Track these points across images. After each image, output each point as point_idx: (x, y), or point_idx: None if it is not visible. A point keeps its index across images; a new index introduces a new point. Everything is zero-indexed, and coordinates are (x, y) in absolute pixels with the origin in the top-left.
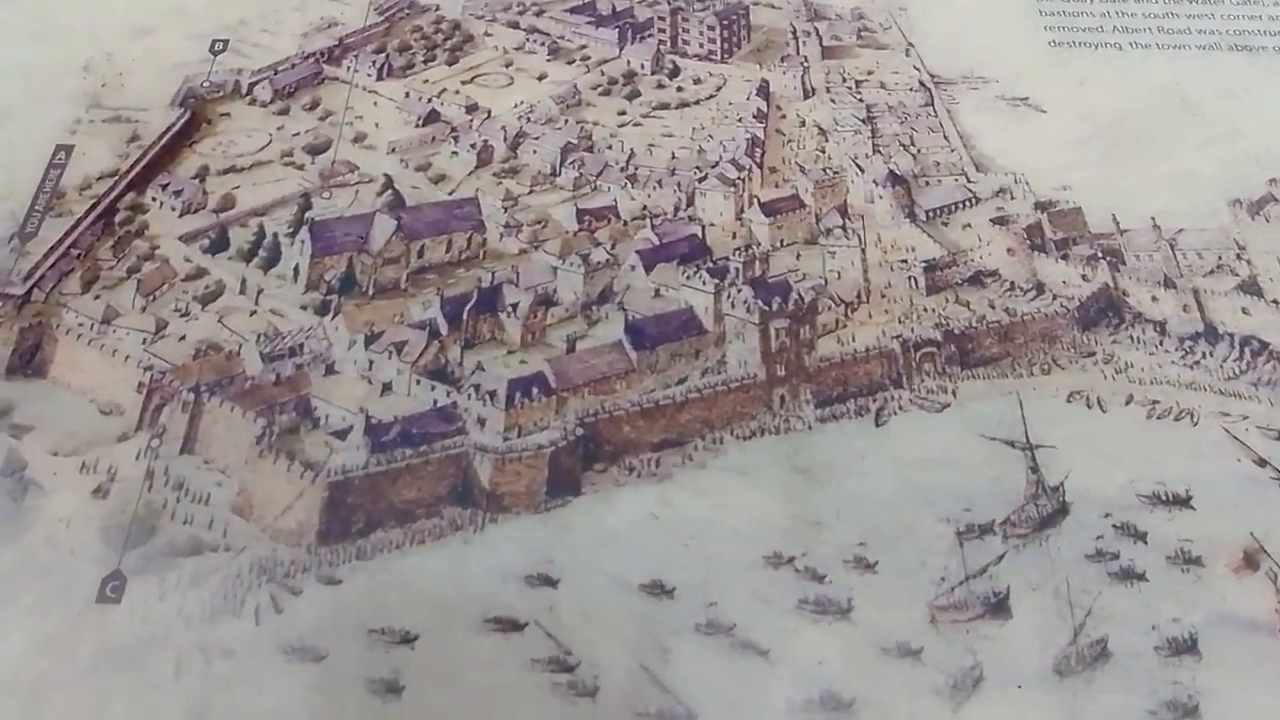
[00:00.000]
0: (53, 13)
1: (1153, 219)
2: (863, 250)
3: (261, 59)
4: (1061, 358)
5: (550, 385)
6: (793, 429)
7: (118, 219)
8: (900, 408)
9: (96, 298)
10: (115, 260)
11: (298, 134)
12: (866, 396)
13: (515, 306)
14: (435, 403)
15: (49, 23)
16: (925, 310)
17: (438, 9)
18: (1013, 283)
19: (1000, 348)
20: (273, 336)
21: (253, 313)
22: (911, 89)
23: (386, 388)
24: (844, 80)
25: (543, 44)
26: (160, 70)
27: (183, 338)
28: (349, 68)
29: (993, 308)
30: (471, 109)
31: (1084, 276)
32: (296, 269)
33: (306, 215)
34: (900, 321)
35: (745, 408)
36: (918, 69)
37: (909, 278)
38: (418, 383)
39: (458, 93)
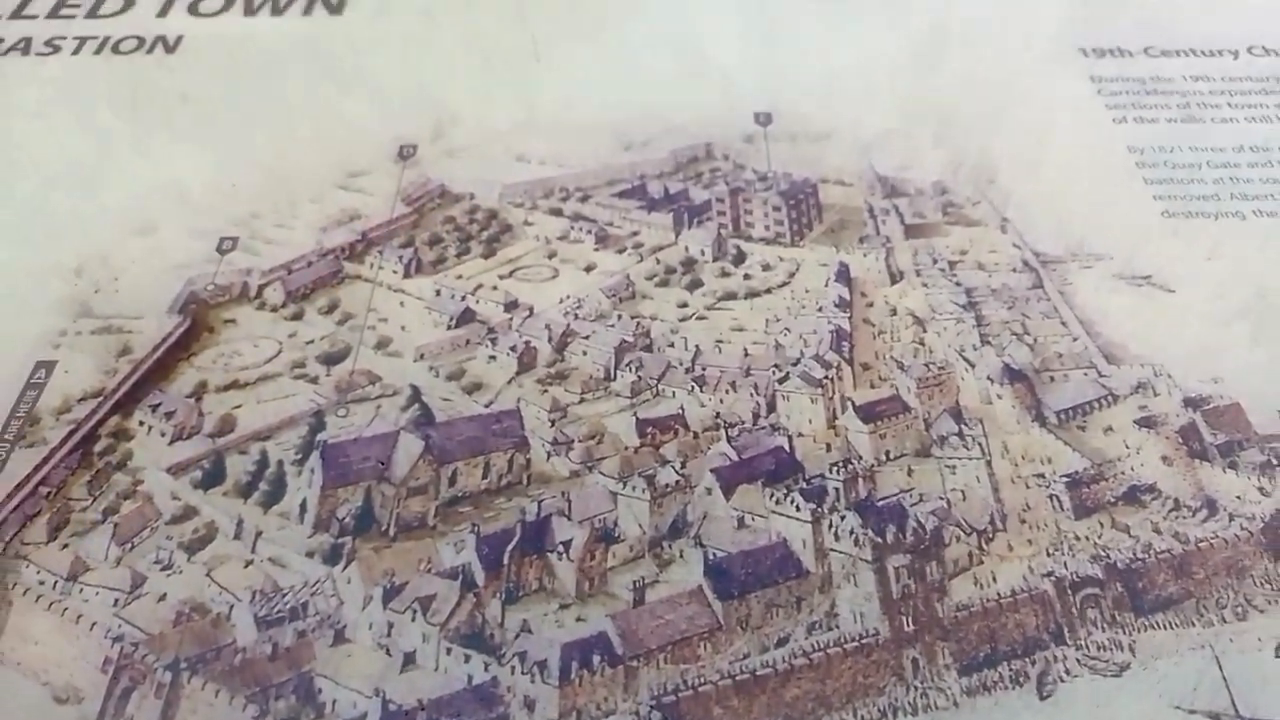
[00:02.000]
0: (43, 208)
1: None
2: (988, 463)
3: (274, 257)
4: (1256, 596)
5: (616, 651)
6: (934, 706)
7: (97, 448)
8: (1067, 671)
9: (64, 547)
10: (90, 499)
11: (312, 341)
12: (1022, 658)
13: (567, 545)
14: (470, 679)
15: (38, 219)
16: (1077, 538)
17: (472, 197)
18: (1177, 500)
19: (1178, 585)
20: (271, 594)
21: (248, 563)
22: (1014, 269)
23: (409, 659)
24: (935, 262)
25: (589, 231)
26: (160, 272)
27: (162, 597)
28: (372, 264)
29: (1159, 533)
30: (511, 306)
31: (1261, 490)
32: (303, 505)
33: (318, 437)
34: (1049, 554)
35: (869, 677)
36: (1018, 247)
37: (1050, 496)
38: (448, 652)
39: (495, 288)
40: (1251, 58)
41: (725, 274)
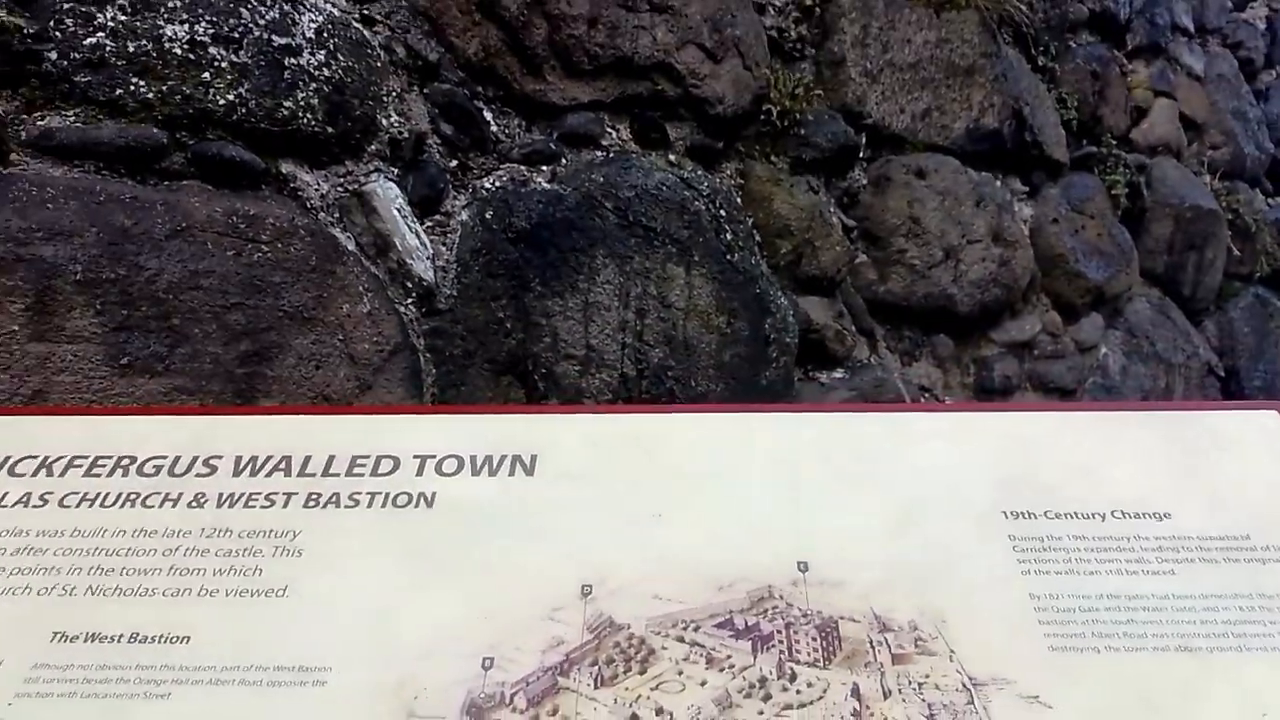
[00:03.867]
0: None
1: None
2: None
3: (516, 673)
4: None
5: None
6: None
7: None
8: None
9: None
10: None
11: None
12: None
13: None
14: None
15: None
16: None
17: (629, 627)
18: None
19: None
20: None
21: None
22: (958, 689)
23: None
24: (910, 683)
25: (702, 655)
26: (448, 686)
27: None
28: (575, 678)
29: None
30: (659, 711)
31: None
32: None
33: None
34: None
35: None
36: (959, 673)
37: None
38: None
39: (648, 698)
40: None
41: (784, 689)
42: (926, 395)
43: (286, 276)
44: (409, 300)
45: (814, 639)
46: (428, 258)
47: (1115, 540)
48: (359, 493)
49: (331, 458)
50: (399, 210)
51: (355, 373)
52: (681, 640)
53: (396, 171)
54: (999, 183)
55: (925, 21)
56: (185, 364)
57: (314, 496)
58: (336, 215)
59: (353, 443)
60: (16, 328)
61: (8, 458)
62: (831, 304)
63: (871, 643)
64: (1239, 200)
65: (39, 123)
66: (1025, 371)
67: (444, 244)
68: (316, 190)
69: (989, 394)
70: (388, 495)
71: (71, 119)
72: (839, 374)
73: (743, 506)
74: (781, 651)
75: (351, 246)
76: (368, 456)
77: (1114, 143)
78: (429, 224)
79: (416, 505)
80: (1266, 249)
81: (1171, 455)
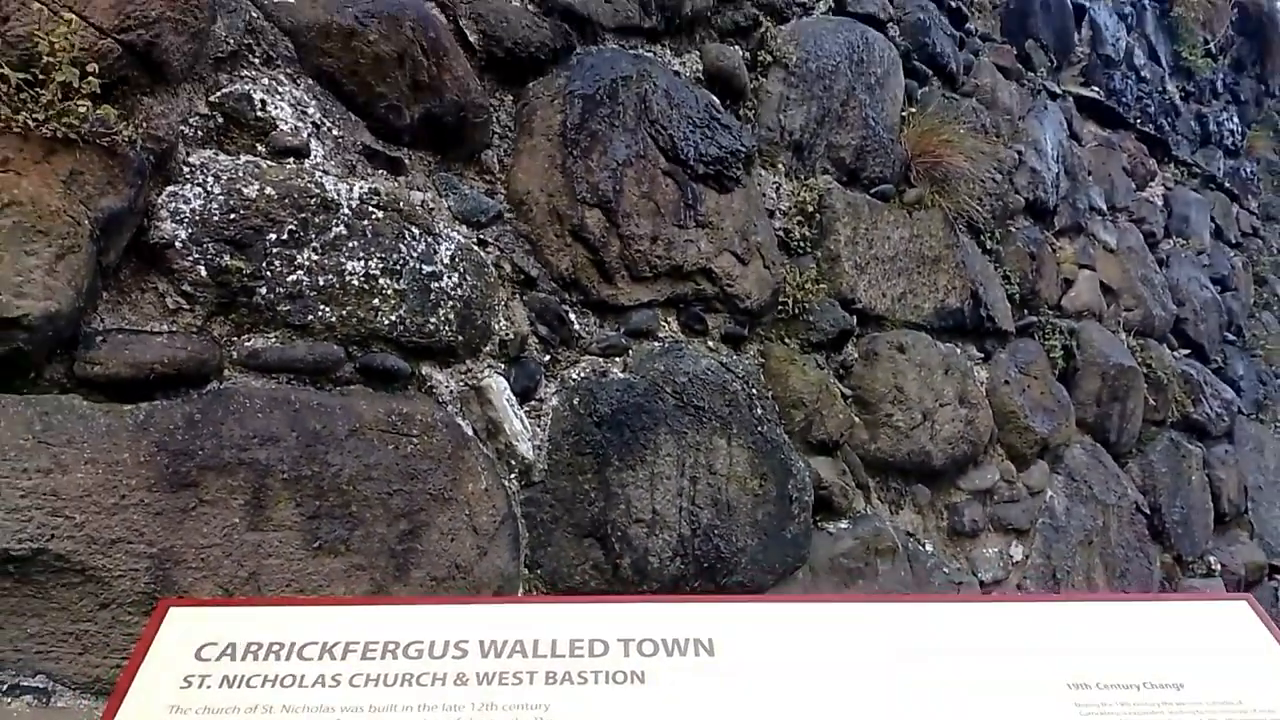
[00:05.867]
0: None
1: None
2: None
3: None
4: None
5: None
6: None
7: None
8: None
9: None
10: None
11: None
12: None
13: None
14: None
15: None
16: None
17: None
18: None
19: None
20: None
21: None
22: None
23: None
24: None
25: None
26: None
27: None
28: None
29: None
30: None
31: None
32: None
33: None
34: None
35: None
36: None
37: None
38: None
39: None
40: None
41: None
42: (912, 539)
43: (431, 464)
44: (512, 475)
45: None
46: (529, 439)
47: None
48: (588, 671)
49: (554, 640)
50: (507, 400)
51: (477, 542)
52: None
53: (504, 366)
54: (960, 351)
55: (901, 220)
56: (361, 544)
57: (551, 674)
58: (459, 406)
59: (566, 629)
60: (237, 520)
61: (292, 643)
62: (835, 463)
63: None
64: (1151, 356)
65: (247, 344)
66: (987, 515)
67: (539, 426)
68: (446, 387)
69: (960, 536)
70: (608, 673)
71: (273, 340)
72: (844, 524)
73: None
74: None
75: (470, 432)
76: (582, 640)
77: (1049, 312)
78: (527, 409)
79: (631, 682)
80: (1176, 397)
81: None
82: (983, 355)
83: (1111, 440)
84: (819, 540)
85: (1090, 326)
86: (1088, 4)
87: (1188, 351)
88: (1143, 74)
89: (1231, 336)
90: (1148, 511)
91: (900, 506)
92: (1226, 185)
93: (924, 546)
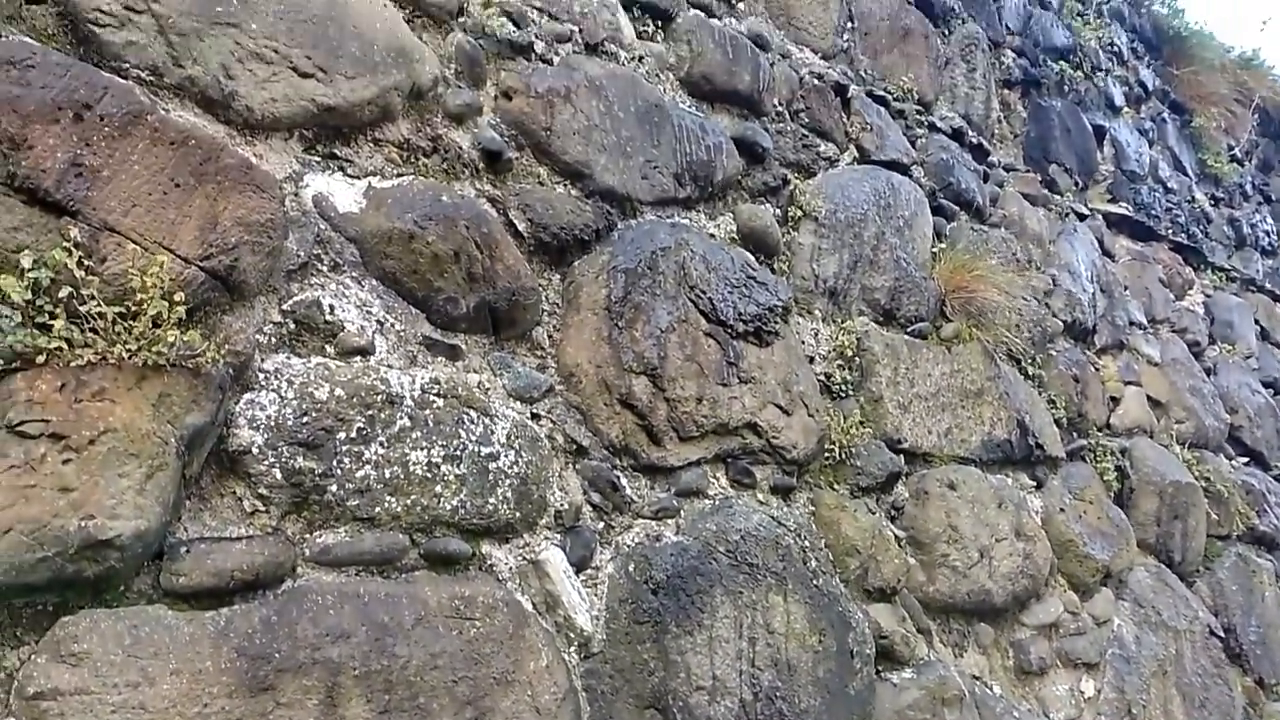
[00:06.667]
0: None
1: None
2: None
3: None
4: None
5: None
6: None
7: None
8: None
9: None
10: None
11: None
12: None
13: None
14: None
15: None
16: None
17: None
18: None
19: None
20: None
21: None
22: None
23: None
24: None
25: None
26: None
27: None
28: None
29: None
30: None
31: None
32: None
33: None
34: None
35: None
36: None
37: None
38: None
39: None
40: None
41: None
42: (978, 684)
43: (494, 646)
44: (571, 648)
45: None
46: (586, 610)
47: None
48: None
49: None
50: (565, 572)
51: None
52: None
53: (559, 537)
54: (1012, 481)
55: (940, 357)
56: None
57: None
58: (518, 581)
59: None
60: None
61: None
62: (894, 610)
63: None
64: (1209, 469)
65: (318, 540)
66: (1054, 650)
67: (595, 595)
68: (505, 564)
69: (1027, 674)
70: None
71: (342, 534)
72: (907, 674)
73: None
74: None
75: (530, 607)
76: None
77: (1098, 433)
78: (583, 578)
79: None
80: (1239, 510)
81: None
82: (1035, 484)
83: (1176, 560)
84: (883, 691)
85: (1142, 444)
86: (1107, 124)
87: (1246, 460)
88: (1169, 185)
89: None
90: (1222, 634)
91: (964, 649)
92: (1267, 286)
93: (991, 689)
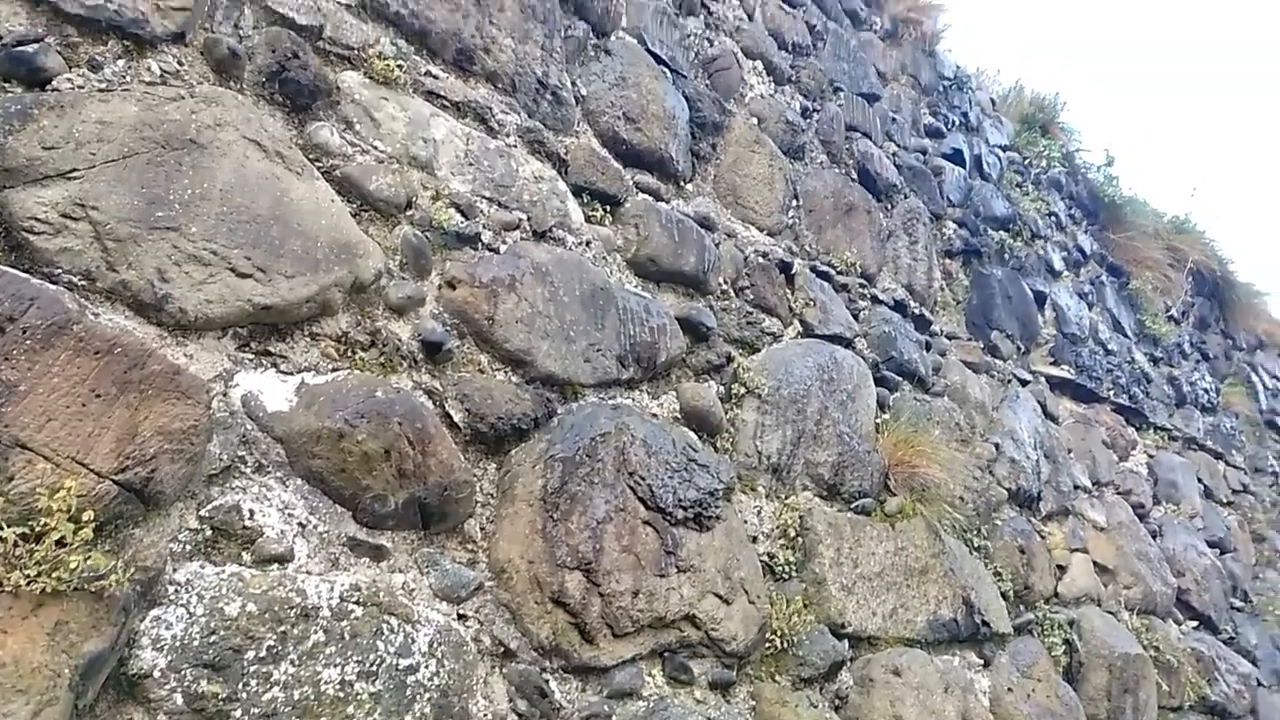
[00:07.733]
0: None
1: None
2: None
3: None
4: None
5: None
6: None
7: None
8: None
9: None
10: None
11: None
12: None
13: None
14: None
15: None
16: None
17: None
18: None
19: None
20: None
21: None
22: None
23: None
24: None
25: None
26: None
27: None
28: None
29: None
30: None
31: None
32: None
33: None
34: None
35: None
36: None
37: None
38: None
39: None
40: None
41: None
42: None
43: None
44: None
45: None
46: None
47: None
48: None
49: None
50: None
51: None
52: None
53: None
54: (959, 660)
55: (884, 534)
56: None
57: None
58: None
59: None
60: None
61: None
62: None
63: None
64: (1158, 637)
65: None
66: None
67: None
68: None
69: None
70: None
71: None
72: None
73: None
74: None
75: None
76: None
77: (1045, 606)
78: None
79: None
80: (1190, 679)
81: None
82: (982, 662)
83: None
84: None
85: (1090, 613)
86: (1047, 289)
87: (1195, 624)
88: (1110, 346)
89: (1238, 602)
90: None
91: None
92: (1208, 444)
93: None
